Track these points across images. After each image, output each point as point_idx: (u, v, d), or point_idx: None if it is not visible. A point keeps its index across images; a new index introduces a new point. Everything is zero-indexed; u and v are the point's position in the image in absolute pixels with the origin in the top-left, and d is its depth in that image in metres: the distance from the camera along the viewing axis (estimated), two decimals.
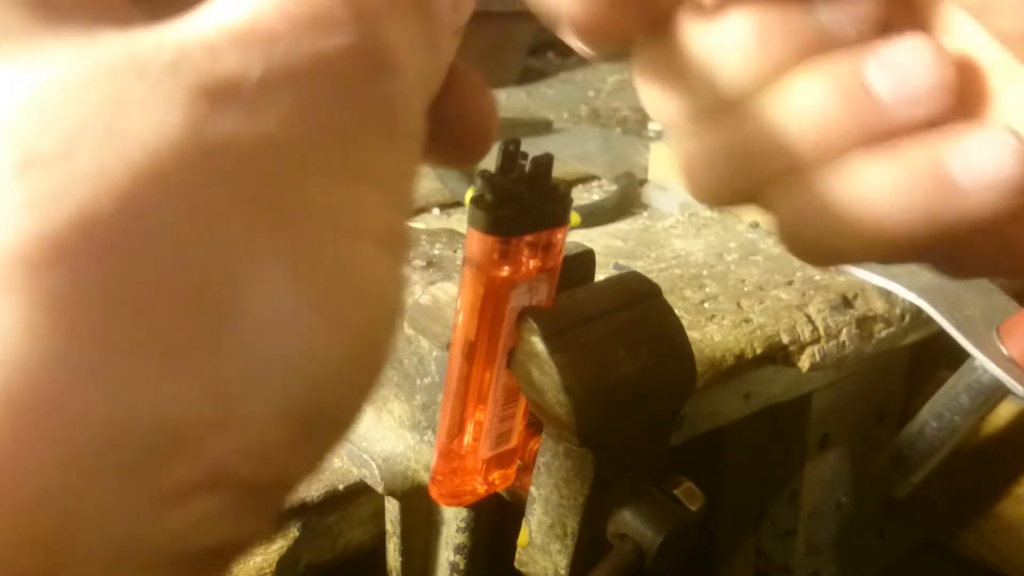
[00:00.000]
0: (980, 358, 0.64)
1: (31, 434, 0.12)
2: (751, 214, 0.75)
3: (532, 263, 0.31)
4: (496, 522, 0.42)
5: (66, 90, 0.13)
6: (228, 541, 0.14)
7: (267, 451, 0.14)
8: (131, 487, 0.13)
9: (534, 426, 0.35)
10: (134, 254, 0.12)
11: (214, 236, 0.13)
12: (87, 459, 0.12)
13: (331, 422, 0.15)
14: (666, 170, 0.81)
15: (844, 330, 0.63)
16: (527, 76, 1.19)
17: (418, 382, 0.38)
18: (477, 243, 0.30)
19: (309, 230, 0.14)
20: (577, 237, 0.51)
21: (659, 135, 0.96)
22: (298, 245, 0.14)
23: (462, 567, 0.43)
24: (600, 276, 0.36)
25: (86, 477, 0.12)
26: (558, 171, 0.30)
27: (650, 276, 0.35)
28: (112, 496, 0.12)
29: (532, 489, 0.34)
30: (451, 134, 0.21)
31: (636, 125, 1.03)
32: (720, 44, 0.24)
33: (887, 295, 0.67)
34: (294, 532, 0.42)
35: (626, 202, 0.77)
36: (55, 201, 0.12)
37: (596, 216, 0.74)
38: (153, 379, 0.13)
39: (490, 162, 0.27)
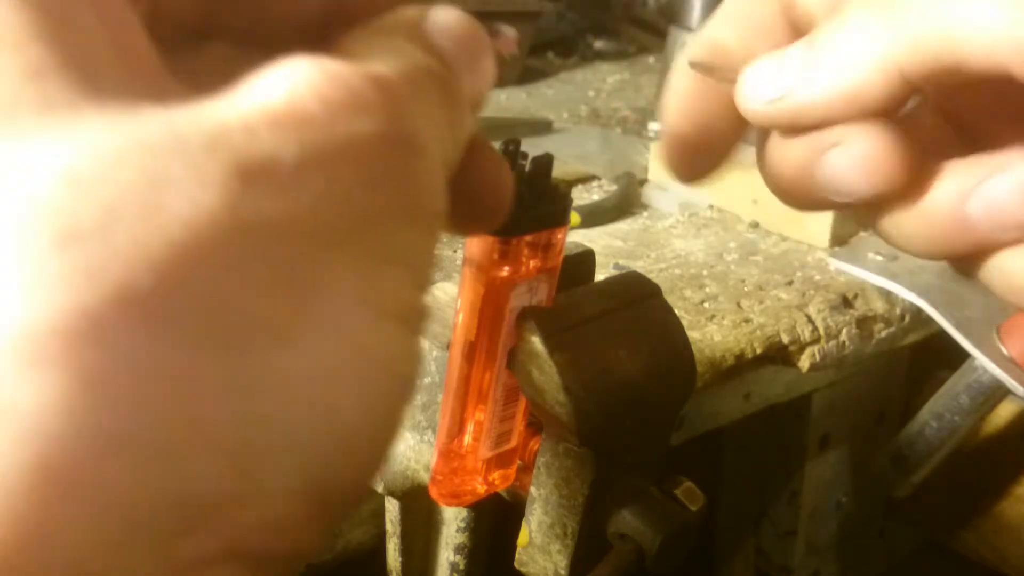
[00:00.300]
0: (980, 358, 0.64)
1: (62, 503, 0.12)
2: (751, 214, 0.75)
3: (532, 263, 0.31)
4: (496, 522, 0.42)
5: (105, 165, 0.13)
6: None
7: (283, 524, 0.14)
8: (153, 557, 0.13)
9: (534, 426, 0.35)
10: (168, 330, 0.13)
11: (244, 313, 0.14)
12: (113, 530, 0.12)
13: (344, 495, 0.16)
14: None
15: (844, 330, 0.63)
16: (527, 76, 1.19)
17: (418, 382, 0.38)
18: (477, 243, 0.30)
19: (334, 308, 0.15)
20: (577, 237, 0.51)
21: (659, 135, 0.96)
22: (324, 323, 0.15)
23: (462, 567, 0.43)
24: (600, 276, 0.36)
25: (111, 547, 0.12)
26: (558, 171, 0.30)
27: (650, 276, 0.35)
28: (135, 566, 0.13)
29: (532, 489, 0.34)
30: (466, 203, 0.21)
31: (636, 125, 1.03)
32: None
33: (887, 295, 0.67)
34: None
35: (626, 202, 0.77)
36: (93, 276, 0.12)
37: (596, 216, 0.74)
38: (181, 453, 0.13)
39: None
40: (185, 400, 0.13)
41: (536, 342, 0.30)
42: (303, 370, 0.14)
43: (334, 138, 0.15)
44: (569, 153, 0.89)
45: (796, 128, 0.25)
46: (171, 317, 0.13)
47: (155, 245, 0.13)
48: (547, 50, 1.32)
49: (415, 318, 0.17)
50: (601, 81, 1.23)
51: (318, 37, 0.22)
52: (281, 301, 0.14)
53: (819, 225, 0.72)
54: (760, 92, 0.25)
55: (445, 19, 0.20)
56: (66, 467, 0.12)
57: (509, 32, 0.23)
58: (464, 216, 0.21)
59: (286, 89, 0.15)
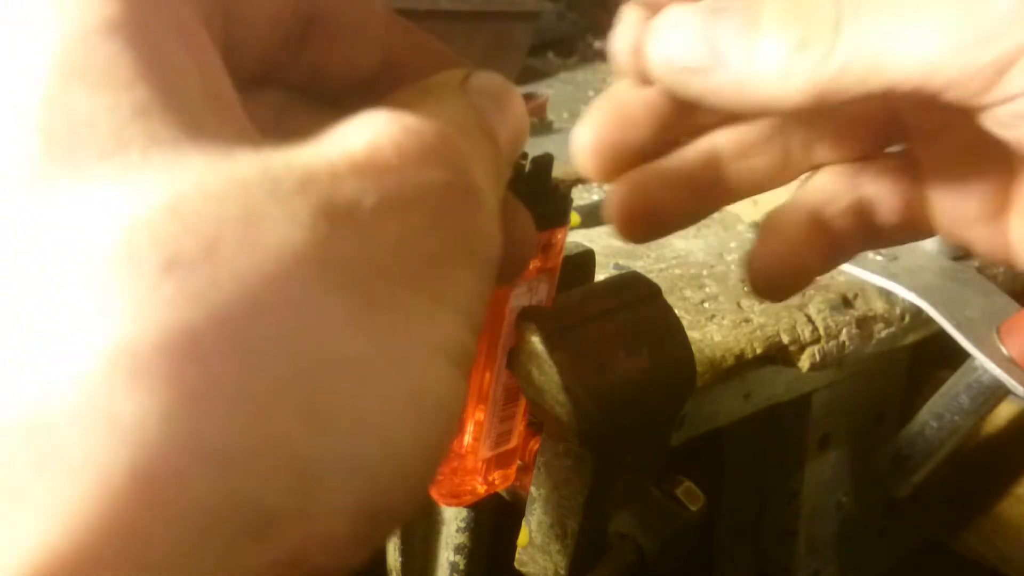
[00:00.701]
0: (980, 358, 0.64)
1: (153, 509, 0.13)
2: (751, 214, 0.75)
3: (532, 263, 0.31)
4: (496, 522, 0.42)
5: (207, 200, 0.14)
6: None
7: (338, 540, 0.15)
8: (227, 563, 0.14)
9: (534, 426, 0.35)
10: (260, 355, 0.14)
11: (324, 344, 0.15)
12: (194, 534, 0.13)
13: (393, 519, 0.17)
14: None
15: (844, 330, 0.63)
16: (527, 76, 1.19)
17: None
18: None
19: (401, 346, 0.16)
20: (577, 237, 0.51)
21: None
22: (391, 359, 0.16)
23: (462, 567, 0.43)
24: (600, 276, 0.36)
25: (193, 551, 0.13)
26: (558, 171, 0.30)
27: (650, 276, 0.35)
28: (208, 567, 0.14)
29: (532, 489, 0.34)
30: None
31: None
32: None
33: (887, 295, 0.67)
34: None
35: None
36: (195, 300, 0.14)
37: (596, 216, 0.74)
38: (259, 468, 0.14)
39: None
40: (267, 421, 0.14)
41: (536, 342, 0.30)
42: (371, 402, 0.15)
43: (408, 185, 0.17)
44: (569, 153, 0.89)
45: (694, 99, 0.26)
46: (262, 343, 0.14)
47: (251, 276, 0.14)
48: (547, 50, 1.32)
49: (466, 361, 0.18)
50: (601, 81, 1.23)
51: (367, 91, 0.24)
52: (355, 336, 0.15)
53: None
54: (677, 56, 0.25)
55: (486, 80, 0.22)
56: (159, 473, 0.13)
57: (541, 97, 0.25)
58: None
59: (368, 139, 0.17)
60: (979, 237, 0.31)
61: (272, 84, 0.24)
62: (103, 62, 0.16)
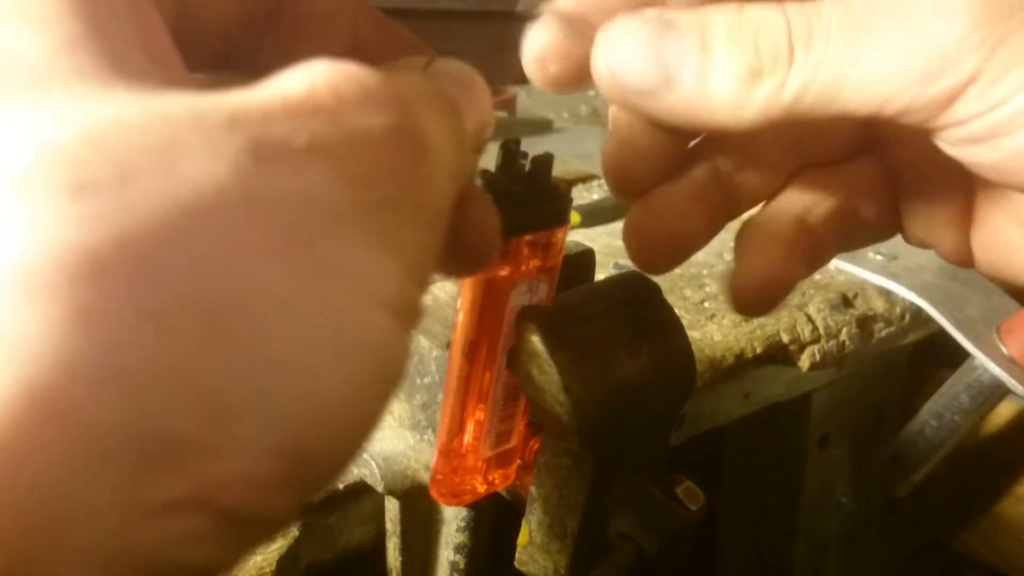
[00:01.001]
0: (980, 358, 0.64)
1: (45, 428, 0.13)
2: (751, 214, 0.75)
3: (532, 263, 0.31)
4: (496, 522, 0.42)
5: (126, 130, 0.14)
6: (203, 565, 0.15)
7: (253, 482, 0.15)
8: (124, 493, 0.13)
9: (534, 426, 0.35)
10: (166, 278, 0.14)
11: (240, 274, 0.14)
12: (91, 459, 0.13)
13: (315, 467, 0.16)
14: None
15: (844, 330, 0.63)
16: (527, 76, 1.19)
17: (418, 381, 0.38)
18: None
19: (327, 285, 0.16)
20: (577, 237, 0.51)
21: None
22: (314, 296, 0.15)
23: (462, 566, 0.43)
24: (600, 276, 0.36)
25: (87, 476, 0.13)
26: (558, 171, 0.30)
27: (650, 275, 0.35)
28: (106, 498, 0.13)
29: (532, 489, 0.34)
30: (455, 245, 0.22)
31: None
32: None
33: (887, 295, 0.67)
34: (294, 532, 0.42)
35: None
36: (100, 222, 0.13)
37: (596, 216, 0.74)
38: (162, 394, 0.13)
39: (490, 162, 0.27)
40: (170, 345, 0.14)
41: (536, 342, 0.30)
42: (290, 337, 0.15)
43: (345, 128, 0.16)
44: (569, 153, 0.89)
45: (648, 118, 0.26)
46: (170, 269, 0.14)
47: (164, 204, 0.14)
48: None
49: (408, 313, 0.17)
50: None
51: None
52: (275, 270, 0.15)
53: None
54: (631, 79, 0.25)
55: (450, 65, 0.22)
56: (51, 392, 0.13)
57: (509, 92, 0.24)
58: (451, 256, 0.22)
59: (304, 82, 0.17)
60: (944, 242, 0.32)
61: (236, 66, 0.24)
62: None
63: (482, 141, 0.22)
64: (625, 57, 0.24)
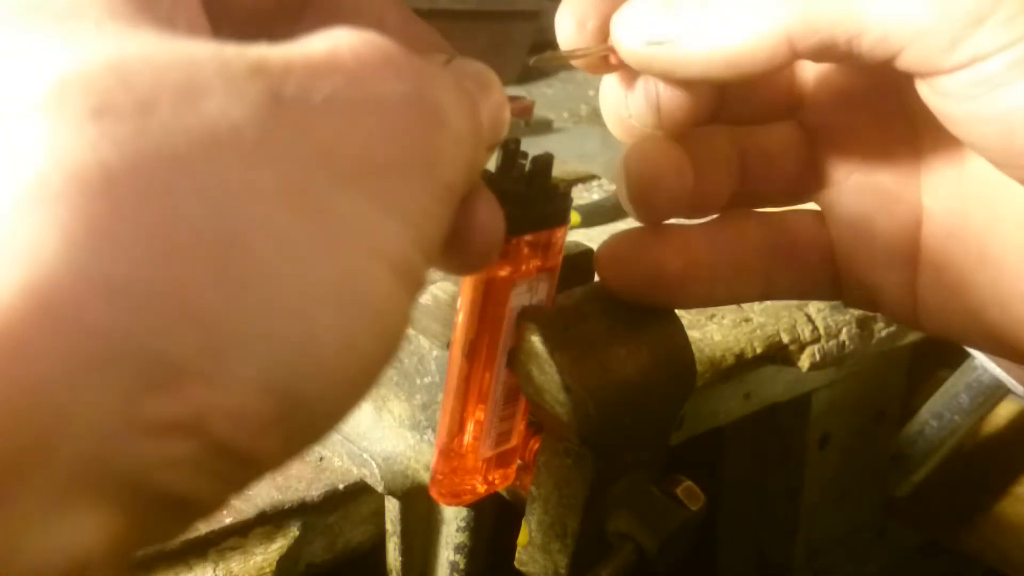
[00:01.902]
0: (980, 358, 0.64)
1: (45, 331, 0.13)
2: None
3: (532, 263, 0.31)
4: (496, 522, 0.42)
5: (151, 64, 0.15)
6: (185, 495, 0.15)
7: (243, 416, 0.15)
8: (118, 407, 0.14)
9: (534, 426, 0.35)
10: (176, 205, 0.14)
11: (249, 213, 0.15)
12: (88, 368, 0.13)
13: (305, 413, 0.16)
14: None
15: (844, 329, 0.63)
16: (527, 76, 1.19)
17: (418, 381, 0.38)
18: None
19: (333, 236, 0.16)
20: (577, 237, 0.51)
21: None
22: (319, 244, 0.16)
23: (462, 566, 0.43)
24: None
25: (82, 385, 0.13)
26: (558, 171, 0.30)
27: None
28: (99, 405, 0.13)
29: (532, 488, 0.34)
30: (457, 243, 0.22)
31: None
32: None
33: None
34: (294, 532, 0.42)
35: None
36: (119, 144, 0.14)
37: (596, 216, 0.74)
38: (164, 315, 0.14)
39: (490, 162, 0.27)
40: (175, 267, 0.14)
41: (536, 342, 0.30)
42: (292, 280, 0.15)
43: (362, 90, 0.17)
44: (569, 153, 0.89)
45: (669, 77, 0.26)
46: (182, 197, 0.14)
47: (181, 136, 0.14)
48: (547, 50, 1.32)
49: (410, 277, 0.18)
50: (601, 81, 1.23)
51: None
52: (283, 212, 0.15)
53: None
54: (642, 30, 0.25)
55: (468, 65, 0.23)
56: (55, 296, 0.13)
57: (526, 100, 0.25)
58: (454, 253, 0.23)
59: (327, 44, 0.17)
60: (887, 286, 0.31)
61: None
62: None
63: (496, 138, 0.23)
64: (642, 14, 0.25)
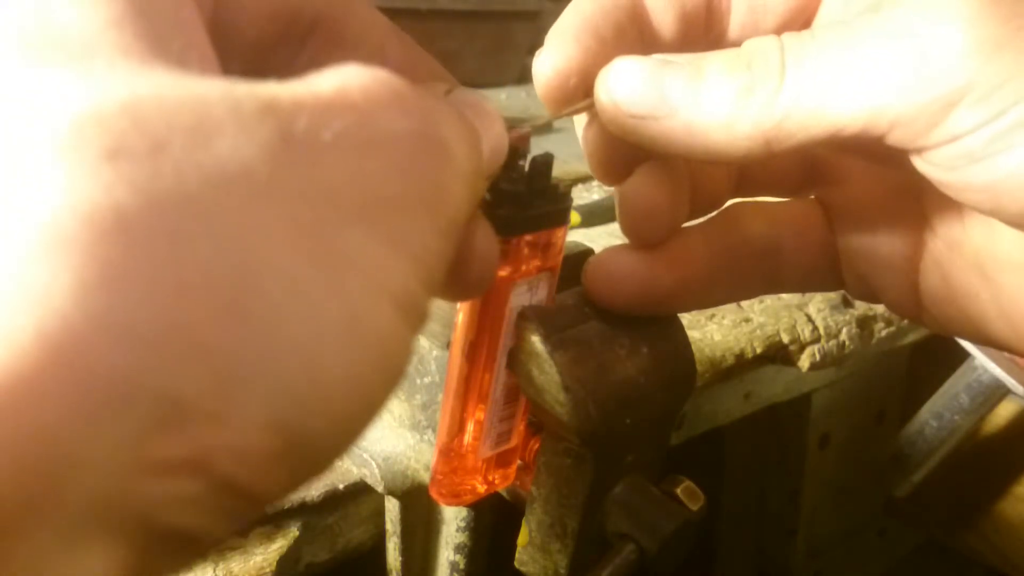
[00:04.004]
0: (980, 358, 0.64)
1: (55, 374, 0.13)
2: None
3: (532, 263, 0.31)
4: (496, 522, 0.42)
5: (163, 105, 0.15)
6: (192, 531, 0.15)
7: (249, 454, 0.15)
8: (127, 447, 0.14)
9: (534, 426, 0.35)
10: (188, 246, 0.14)
11: (258, 253, 0.15)
12: (97, 410, 0.13)
13: (309, 448, 0.16)
14: None
15: (844, 330, 0.63)
16: (527, 76, 1.19)
17: (418, 381, 0.38)
18: None
19: (339, 274, 0.16)
20: (577, 237, 0.51)
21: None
22: (326, 283, 0.16)
23: (462, 566, 0.43)
24: None
25: (91, 426, 0.13)
26: (558, 171, 0.30)
27: None
28: (108, 451, 0.13)
29: (532, 489, 0.34)
30: (455, 272, 0.22)
31: None
32: None
33: None
34: (294, 531, 0.42)
35: None
36: (132, 187, 0.14)
37: (596, 216, 0.74)
38: (173, 356, 0.14)
39: None
40: (185, 309, 0.14)
41: (536, 342, 0.30)
42: (299, 319, 0.15)
43: (371, 128, 0.17)
44: (569, 153, 0.89)
45: (649, 149, 0.26)
46: (193, 238, 0.14)
47: (193, 177, 0.14)
48: None
49: (414, 313, 0.18)
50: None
51: None
52: (291, 252, 0.15)
53: None
54: (626, 103, 0.26)
55: (468, 95, 0.23)
56: (65, 340, 0.13)
57: (524, 130, 0.25)
58: (450, 283, 0.23)
59: (337, 81, 0.17)
60: (887, 288, 0.31)
61: (267, 78, 0.25)
62: None
63: (494, 168, 0.23)
64: (626, 83, 0.25)
